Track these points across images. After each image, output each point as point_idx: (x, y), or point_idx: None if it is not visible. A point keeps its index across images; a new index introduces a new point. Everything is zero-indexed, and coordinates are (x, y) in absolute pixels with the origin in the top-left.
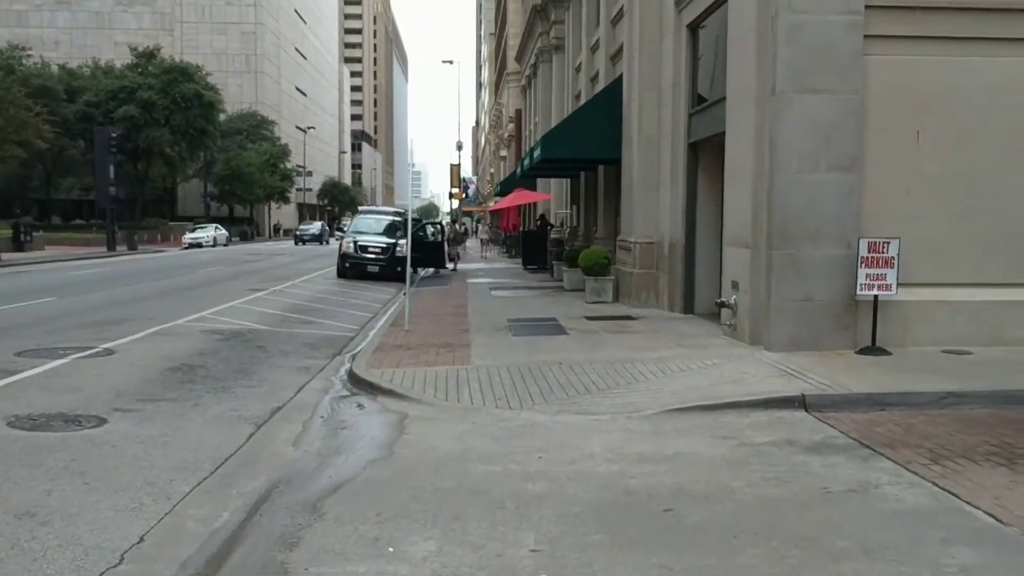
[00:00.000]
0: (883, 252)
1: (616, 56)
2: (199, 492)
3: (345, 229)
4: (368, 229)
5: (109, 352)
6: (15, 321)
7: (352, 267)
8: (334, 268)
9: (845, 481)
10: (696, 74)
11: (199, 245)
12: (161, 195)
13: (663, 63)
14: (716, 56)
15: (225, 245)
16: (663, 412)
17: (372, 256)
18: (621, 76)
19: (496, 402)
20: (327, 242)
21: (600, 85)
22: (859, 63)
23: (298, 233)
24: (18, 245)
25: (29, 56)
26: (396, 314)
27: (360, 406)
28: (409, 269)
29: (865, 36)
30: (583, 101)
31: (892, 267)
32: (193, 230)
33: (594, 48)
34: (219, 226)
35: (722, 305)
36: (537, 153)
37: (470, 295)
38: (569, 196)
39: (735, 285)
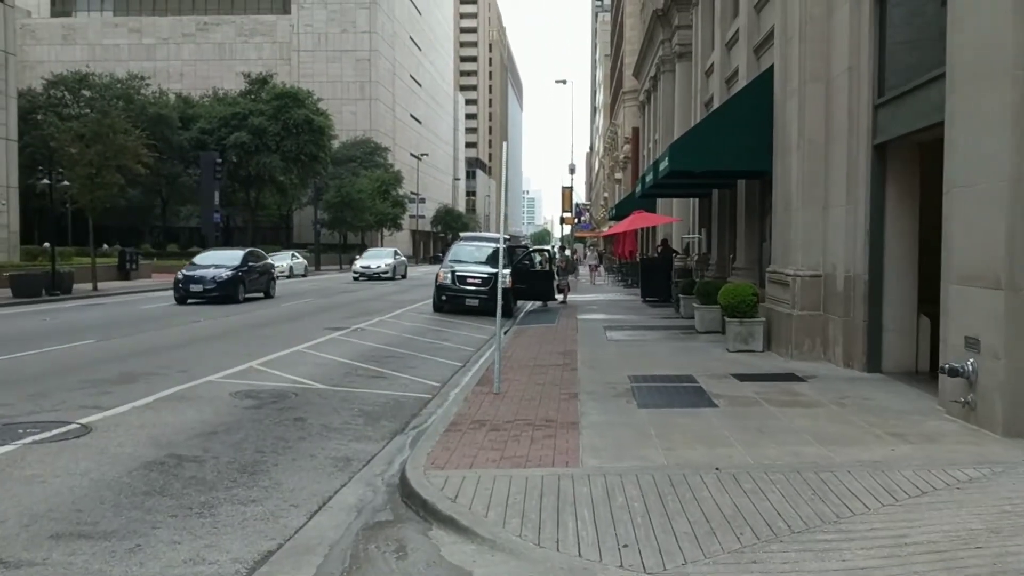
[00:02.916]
0: None
1: (762, 47)
2: None
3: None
4: (468, 258)
5: (83, 431)
6: (12, 375)
7: (449, 300)
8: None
9: None
10: (883, 52)
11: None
12: (277, 223)
13: (833, 44)
14: (918, 22)
15: (303, 275)
16: None
17: (472, 288)
18: (768, 71)
19: (621, 552)
20: (402, 276)
21: (739, 85)
22: None
23: (357, 268)
24: (123, 273)
25: (148, 86)
26: (489, 363)
27: (400, 551)
28: (500, 306)
29: None
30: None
31: None
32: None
33: (731, 43)
34: (296, 254)
35: (954, 373)
36: (664, 166)
37: (580, 337)
38: (697, 218)
39: (972, 344)
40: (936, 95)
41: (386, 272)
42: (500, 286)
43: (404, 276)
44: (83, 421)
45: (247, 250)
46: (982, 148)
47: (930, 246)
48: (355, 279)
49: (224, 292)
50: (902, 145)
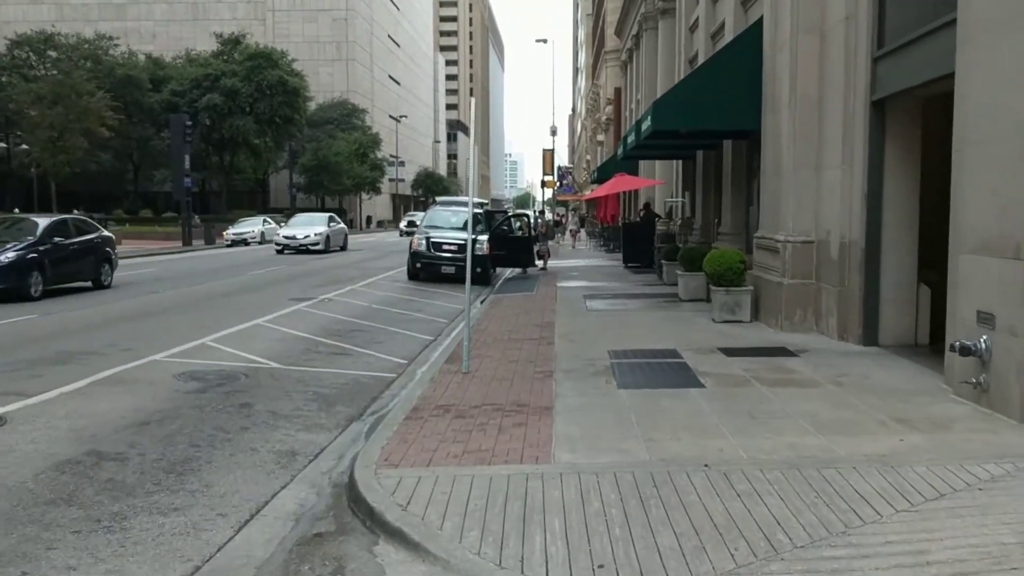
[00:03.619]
0: None
1: None
2: None
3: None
4: (444, 223)
5: None
6: None
7: (424, 268)
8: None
9: None
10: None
11: (244, 243)
12: (253, 187)
13: None
14: None
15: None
16: None
17: (447, 255)
18: (756, 23)
19: (595, 574)
20: (340, 248)
21: (726, 40)
22: None
23: (280, 239)
24: None
25: (116, 46)
26: (461, 337)
27: (338, 574)
28: (469, 277)
29: None
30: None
31: None
32: (235, 224)
33: None
34: (268, 219)
35: (965, 351)
36: (646, 125)
37: (559, 307)
38: (681, 181)
39: (986, 319)
40: (944, 44)
41: (316, 244)
42: (470, 254)
43: (343, 247)
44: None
45: (52, 220)
46: (1000, 101)
47: (931, 210)
48: (278, 252)
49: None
50: (903, 101)
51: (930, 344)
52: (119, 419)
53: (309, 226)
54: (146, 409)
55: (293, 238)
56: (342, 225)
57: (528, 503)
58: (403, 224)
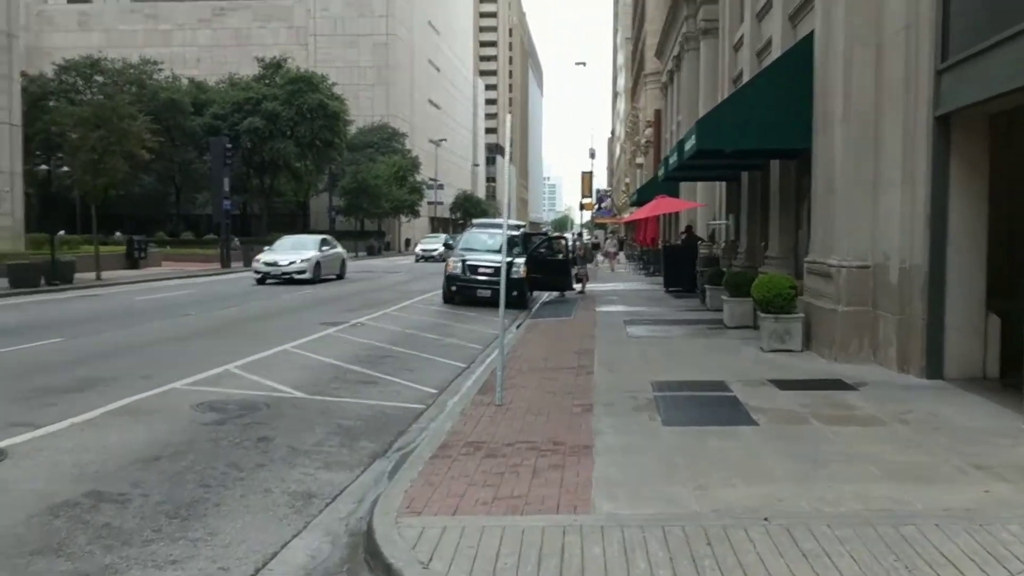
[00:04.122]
0: None
1: (799, 12)
2: None
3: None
4: (480, 246)
5: None
6: None
7: (460, 291)
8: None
9: None
10: (948, 6)
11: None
12: (294, 209)
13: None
14: None
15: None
16: None
17: (483, 278)
18: (806, 38)
19: None
20: (337, 276)
21: (773, 56)
22: None
23: (259, 267)
24: (132, 262)
25: (161, 71)
26: (496, 366)
27: None
28: (503, 302)
29: None
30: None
31: None
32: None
33: (762, 13)
34: None
35: None
36: (690, 145)
37: (598, 333)
38: (724, 203)
39: None
40: (1021, 52)
41: (302, 272)
42: (504, 278)
43: (340, 275)
44: (1, 444)
45: None
46: None
47: (1001, 233)
48: (257, 282)
49: None
50: (970, 116)
51: (1001, 378)
52: (128, 454)
53: (296, 251)
54: (158, 442)
55: (275, 265)
56: (339, 250)
57: (565, 561)
58: (419, 248)
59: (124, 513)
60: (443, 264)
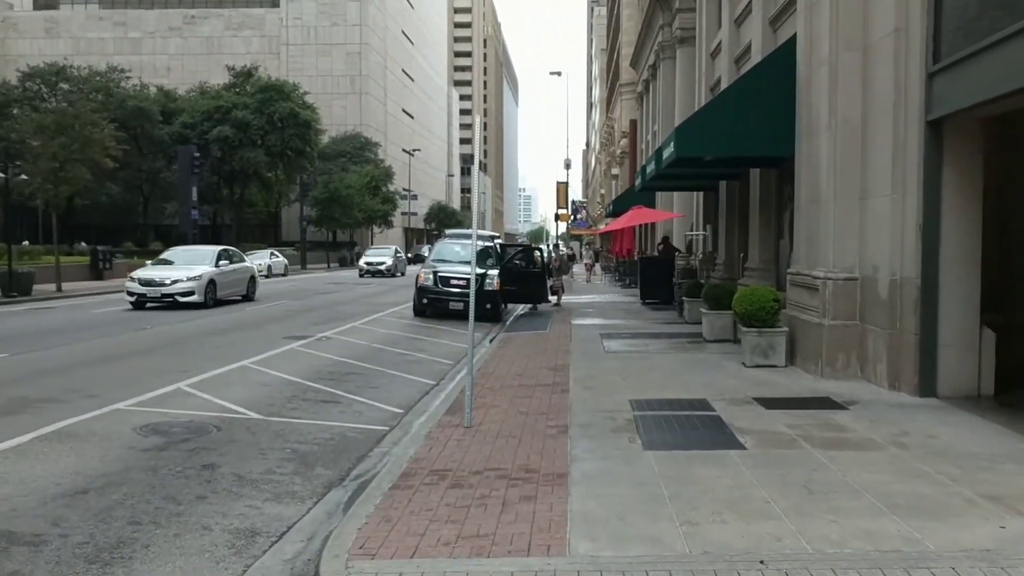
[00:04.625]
0: None
1: (780, 16)
2: None
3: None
4: (453, 257)
5: None
6: None
7: (431, 303)
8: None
9: None
10: (940, 7)
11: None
12: (265, 220)
13: (873, 2)
14: None
15: (283, 274)
16: None
17: (456, 290)
18: (788, 43)
19: None
20: (401, 274)
21: (752, 63)
22: None
23: (362, 265)
24: (96, 273)
25: (128, 79)
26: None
27: None
28: (472, 317)
29: None
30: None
31: None
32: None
33: (741, 18)
34: (275, 252)
35: None
36: (668, 152)
37: (574, 347)
38: (702, 213)
39: None
40: (1020, 53)
41: (189, 292)
42: (473, 292)
43: (247, 296)
44: None
45: None
46: None
47: (994, 242)
48: (132, 306)
49: None
50: (963, 120)
51: (995, 396)
52: (52, 486)
53: (185, 266)
54: (89, 473)
55: (151, 284)
56: (245, 264)
57: None
58: (363, 262)
59: (36, 558)
60: (391, 279)
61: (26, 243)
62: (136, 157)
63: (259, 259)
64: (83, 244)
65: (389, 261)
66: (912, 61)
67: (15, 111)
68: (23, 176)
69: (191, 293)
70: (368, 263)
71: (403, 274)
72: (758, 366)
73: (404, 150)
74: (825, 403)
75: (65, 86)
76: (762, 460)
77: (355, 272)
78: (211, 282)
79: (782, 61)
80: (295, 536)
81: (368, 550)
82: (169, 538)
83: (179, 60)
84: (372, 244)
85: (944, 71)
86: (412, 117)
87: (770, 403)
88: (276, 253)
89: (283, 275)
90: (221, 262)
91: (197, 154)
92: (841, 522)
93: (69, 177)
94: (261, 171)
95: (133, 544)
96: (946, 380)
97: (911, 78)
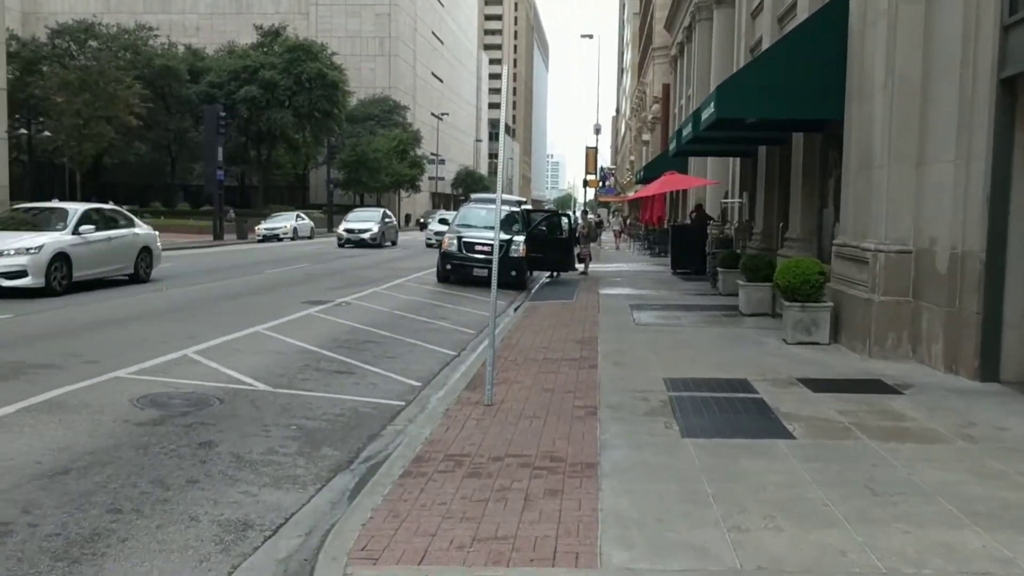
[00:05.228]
0: None
1: None
2: None
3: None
4: (478, 222)
5: None
6: None
7: (455, 269)
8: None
9: None
10: None
11: (276, 238)
12: (293, 182)
13: None
14: None
15: (309, 237)
16: None
17: (480, 257)
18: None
19: None
20: (391, 243)
21: (797, 21)
22: None
23: (341, 232)
24: None
25: (156, 37)
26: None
27: None
28: (495, 288)
29: None
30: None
31: None
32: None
33: None
34: (301, 214)
35: None
36: (708, 113)
37: (603, 319)
38: (738, 180)
39: None
40: None
41: (286, 234)
42: (496, 260)
43: (139, 277)
44: None
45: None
46: None
47: None
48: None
49: None
50: None
51: None
52: (32, 465)
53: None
54: (75, 449)
55: (352, 231)
56: (135, 230)
57: None
58: (342, 228)
59: None
60: (376, 250)
61: (55, 201)
62: (163, 116)
63: (285, 221)
64: (111, 203)
65: (375, 228)
66: (985, 12)
67: (44, 68)
68: (47, 133)
69: (22, 274)
70: (348, 230)
71: (394, 243)
72: (800, 343)
73: (433, 114)
74: (877, 386)
75: (94, 44)
76: (814, 452)
77: (281, 246)
78: (60, 255)
79: (833, 17)
80: (292, 530)
81: (371, 552)
82: (151, 530)
83: (208, 19)
84: (400, 208)
85: (1021, 23)
86: (441, 81)
87: (817, 385)
88: (302, 216)
89: (309, 238)
90: (83, 226)
91: (223, 113)
92: (915, 533)
93: (93, 134)
94: (288, 132)
95: (109, 537)
96: (1010, 364)
97: (982, 31)
